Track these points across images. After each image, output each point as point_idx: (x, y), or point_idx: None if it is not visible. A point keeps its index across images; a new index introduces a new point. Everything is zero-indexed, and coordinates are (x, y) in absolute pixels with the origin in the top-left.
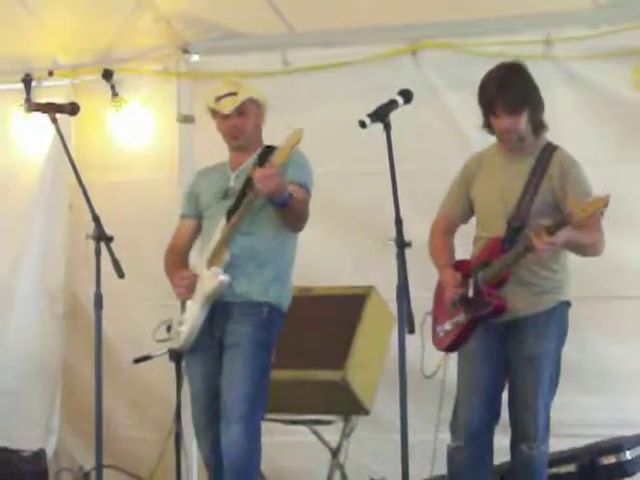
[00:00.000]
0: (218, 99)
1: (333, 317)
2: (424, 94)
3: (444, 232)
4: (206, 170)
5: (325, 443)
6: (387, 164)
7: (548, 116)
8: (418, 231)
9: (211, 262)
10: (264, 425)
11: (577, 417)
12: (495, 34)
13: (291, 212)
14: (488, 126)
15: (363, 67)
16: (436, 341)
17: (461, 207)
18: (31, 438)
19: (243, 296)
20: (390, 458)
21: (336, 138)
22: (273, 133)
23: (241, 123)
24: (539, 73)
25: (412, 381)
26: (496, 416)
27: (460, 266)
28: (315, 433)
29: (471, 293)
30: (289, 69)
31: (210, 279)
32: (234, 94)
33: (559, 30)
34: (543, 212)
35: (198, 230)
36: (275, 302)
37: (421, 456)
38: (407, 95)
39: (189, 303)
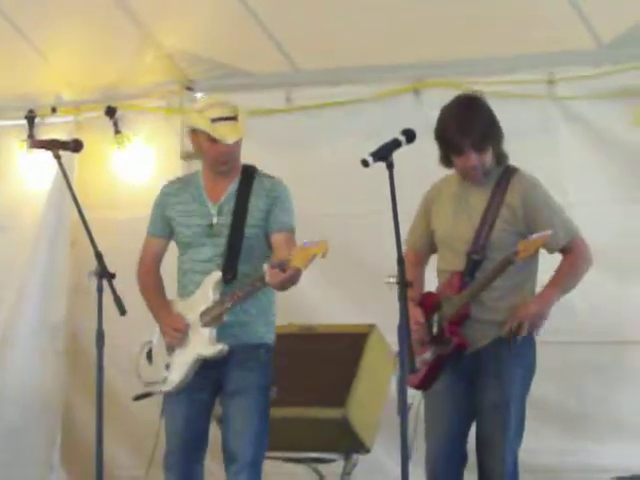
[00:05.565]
0: (214, 121)
1: (334, 355)
2: (426, 133)
3: (414, 264)
4: (176, 189)
5: None
6: (388, 203)
7: (550, 155)
8: None
9: (207, 320)
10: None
11: (582, 463)
12: (498, 74)
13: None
14: (446, 161)
15: (366, 106)
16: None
17: (425, 240)
18: (31, 475)
19: (239, 340)
20: None
21: (338, 176)
22: (274, 170)
23: (236, 150)
24: (542, 112)
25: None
26: (463, 458)
27: (426, 299)
28: (316, 472)
29: (435, 330)
30: (292, 107)
31: (208, 344)
32: (233, 119)
33: (562, 70)
34: (503, 240)
35: (166, 249)
36: (269, 342)
37: None
38: (410, 134)
39: (177, 350)
